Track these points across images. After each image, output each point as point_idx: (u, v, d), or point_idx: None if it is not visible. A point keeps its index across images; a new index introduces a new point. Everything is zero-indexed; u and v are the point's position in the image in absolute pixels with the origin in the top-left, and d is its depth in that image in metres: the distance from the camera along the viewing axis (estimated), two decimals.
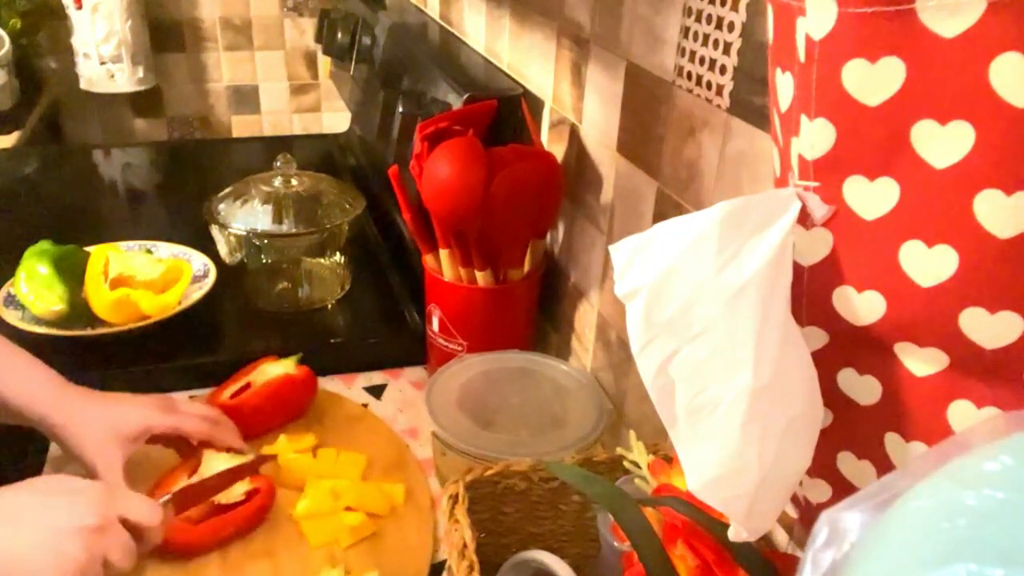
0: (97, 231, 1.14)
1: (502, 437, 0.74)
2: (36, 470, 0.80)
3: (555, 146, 0.92)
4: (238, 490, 0.74)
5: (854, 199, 0.34)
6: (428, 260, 0.89)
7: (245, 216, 1.01)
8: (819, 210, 0.35)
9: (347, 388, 0.96)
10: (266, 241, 1.05)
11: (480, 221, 0.81)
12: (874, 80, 0.31)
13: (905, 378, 0.36)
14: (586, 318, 0.89)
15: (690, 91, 0.64)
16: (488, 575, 0.52)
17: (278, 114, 2.15)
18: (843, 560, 0.26)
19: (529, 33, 0.97)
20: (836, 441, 0.40)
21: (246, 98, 2.11)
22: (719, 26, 0.59)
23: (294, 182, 1.04)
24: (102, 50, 1.80)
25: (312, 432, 0.85)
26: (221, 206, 1.02)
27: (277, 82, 2.11)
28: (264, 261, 1.08)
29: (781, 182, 0.39)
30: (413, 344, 0.98)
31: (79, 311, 0.93)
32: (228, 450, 0.78)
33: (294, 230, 1.03)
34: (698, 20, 0.61)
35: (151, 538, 0.64)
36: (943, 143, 0.30)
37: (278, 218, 1.02)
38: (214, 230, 1.03)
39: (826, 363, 0.38)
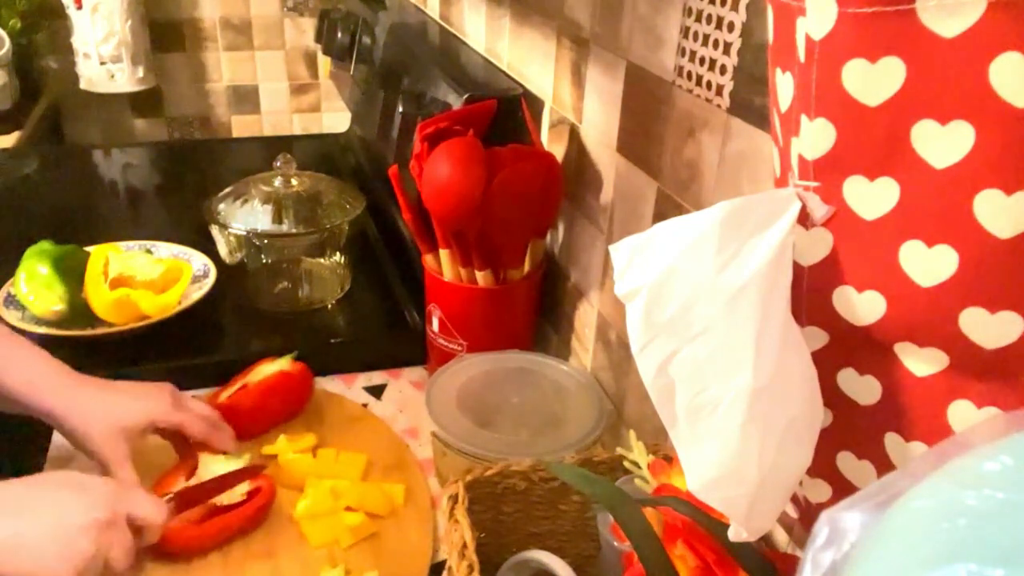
0: (97, 231, 1.14)
1: (502, 437, 0.74)
2: (36, 470, 0.79)
3: (555, 146, 0.92)
4: (239, 490, 0.74)
5: (854, 199, 0.34)
6: (428, 260, 0.89)
7: (245, 216, 1.01)
8: (819, 210, 0.35)
9: (347, 388, 0.96)
10: (266, 241, 1.05)
11: (480, 221, 0.81)
12: (874, 80, 0.31)
13: (905, 378, 0.36)
14: (586, 318, 0.89)
15: (690, 91, 0.64)
16: (488, 575, 0.52)
17: (278, 114, 2.15)
18: (843, 560, 0.26)
19: (529, 33, 0.97)
20: (836, 441, 0.40)
21: (246, 98, 2.11)
22: (719, 26, 0.59)
23: (294, 182, 1.04)
24: (102, 50, 1.80)
25: (312, 432, 0.85)
26: (221, 206, 1.02)
27: (277, 82, 2.11)
28: (264, 261, 1.08)
29: (781, 182, 0.39)
30: (413, 344, 0.98)
31: (79, 311, 0.93)
32: (224, 453, 0.78)
33: (294, 230, 1.03)
34: (698, 20, 0.61)
35: (149, 537, 0.65)
36: (943, 143, 0.30)
37: (278, 218, 1.02)
38: (214, 230, 1.03)
39: (826, 363, 0.38)
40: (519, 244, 0.86)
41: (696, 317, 0.36)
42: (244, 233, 1.01)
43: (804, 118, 0.34)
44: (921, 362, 0.35)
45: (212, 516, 0.72)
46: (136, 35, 1.82)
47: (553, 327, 0.99)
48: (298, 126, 2.17)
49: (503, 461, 0.61)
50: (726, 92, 0.59)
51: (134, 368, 0.91)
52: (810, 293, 0.37)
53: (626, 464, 0.55)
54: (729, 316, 0.35)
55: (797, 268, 0.37)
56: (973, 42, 0.28)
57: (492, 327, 0.89)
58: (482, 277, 0.86)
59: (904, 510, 0.25)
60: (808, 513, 0.44)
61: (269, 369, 0.87)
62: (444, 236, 0.85)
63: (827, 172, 0.34)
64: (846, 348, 0.38)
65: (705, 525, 0.45)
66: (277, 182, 1.03)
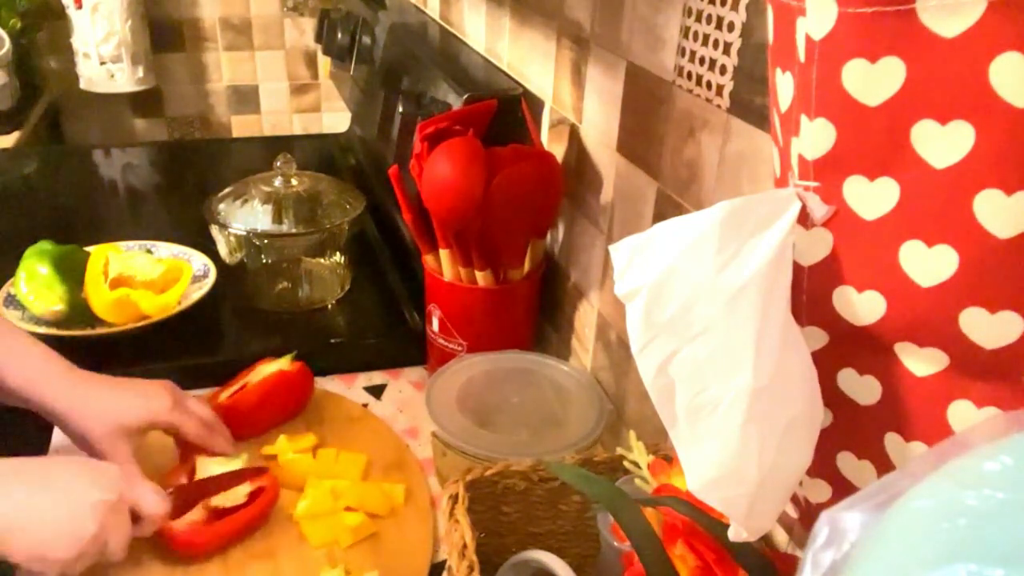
0: (97, 231, 1.14)
1: (502, 437, 0.74)
2: None
3: (555, 146, 0.92)
4: (242, 491, 0.74)
5: (854, 199, 0.34)
6: (428, 260, 0.89)
7: (245, 216, 1.01)
8: (819, 210, 0.35)
9: (347, 388, 0.96)
10: (266, 241, 1.05)
11: (480, 221, 0.81)
12: (874, 80, 0.31)
13: (905, 378, 0.36)
14: (586, 318, 0.89)
15: (690, 91, 0.64)
16: (488, 575, 0.52)
17: (278, 114, 2.15)
18: (843, 560, 0.26)
19: (529, 33, 0.97)
20: (836, 441, 0.40)
21: (246, 98, 2.11)
22: (719, 26, 0.59)
23: (294, 182, 1.04)
24: (102, 50, 1.80)
25: (312, 432, 0.85)
26: (221, 206, 1.02)
27: (277, 82, 2.11)
28: (264, 261, 1.08)
29: (781, 182, 0.39)
30: (413, 344, 0.98)
31: (79, 311, 0.93)
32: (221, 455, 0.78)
33: (294, 230, 1.03)
34: (698, 20, 0.61)
35: (146, 528, 0.66)
36: (943, 143, 0.30)
37: (278, 218, 1.02)
38: (214, 230, 1.03)
39: (826, 363, 0.38)
40: (519, 244, 0.86)
41: (696, 317, 0.36)
42: (244, 233, 1.01)
43: (804, 118, 0.34)
44: (921, 362, 0.35)
45: (218, 517, 0.72)
46: (136, 35, 1.83)
47: (553, 327, 0.99)
48: (298, 126, 2.17)
49: (503, 461, 0.61)
50: (726, 92, 0.59)
51: (134, 368, 0.91)
52: (810, 293, 0.37)
53: (626, 464, 0.55)
54: (729, 316, 0.35)
55: (797, 268, 0.37)
56: (973, 42, 0.28)
57: (492, 327, 0.89)
58: (482, 277, 0.86)
59: (904, 510, 0.25)
60: (808, 513, 0.44)
61: (269, 369, 0.87)
62: (444, 236, 0.85)
63: (827, 172, 0.34)
64: (846, 348, 0.38)
65: (705, 525, 0.45)
66: (277, 182, 1.03)
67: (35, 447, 0.81)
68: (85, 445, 0.71)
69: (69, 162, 1.58)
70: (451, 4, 1.28)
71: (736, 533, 0.39)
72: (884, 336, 0.35)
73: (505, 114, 0.91)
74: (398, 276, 1.13)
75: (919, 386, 0.35)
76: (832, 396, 0.39)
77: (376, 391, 0.96)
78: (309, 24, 2.04)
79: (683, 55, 0.64)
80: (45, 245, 0.97)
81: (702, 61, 0.61)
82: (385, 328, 1.05)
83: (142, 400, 0.74)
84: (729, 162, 0.60)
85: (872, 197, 0.33)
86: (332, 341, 1.02)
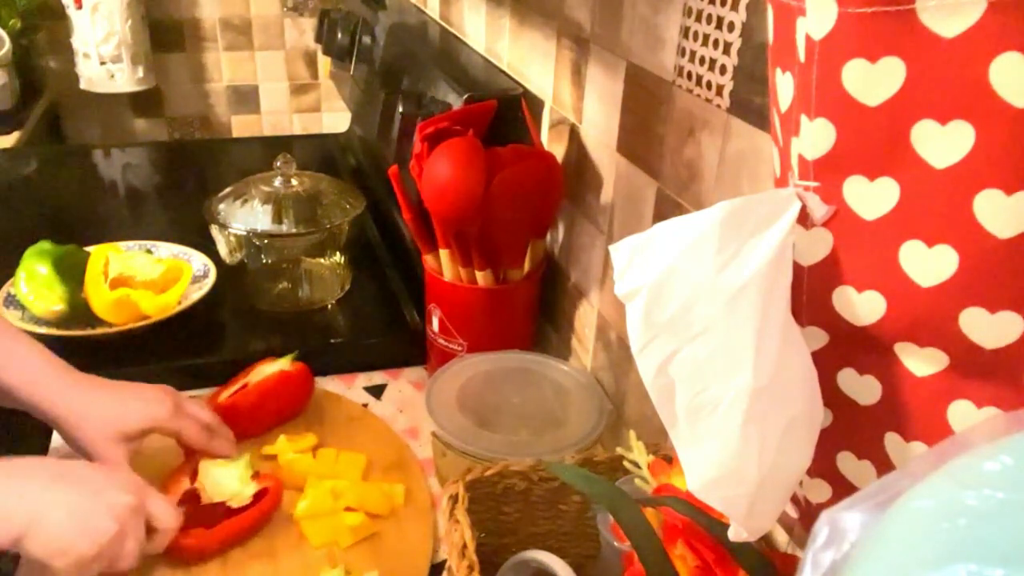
0: (97, 231, 1.14)
1: (502, 437, 0.74)
2: None
3: (555, 146, 0.92)
4: (246, 492, 0.74)
5: (854, 199, 0.34)
6: (428, 260, 0.89)
7: (245, 216, 1.01)
8: (819, 210, 0.35)
9: (347, 388, 0.96)
10: (266, 241, 1.05)
11: (480, 221, 0.81)
12: (874, 80, 0.31)
13: (905, 378, 0.36)
14: (586, 318, 0.89)
15: (690, 91, 0.64)
16: (488, 575, 0.52)
17: (278, 114, 2.15)
18: (843, 560, 0.26)
19: (529, 33, 0.97)
20: (836, 441, 0.40)
21: (246, 98, 2.11)
22: (719, 26, 0.59)
23: (294, 182, 1.04)
24: (102, 50, 1.80)
25: (312, 432, 0.85)
26: (221, 206, 1.02)
27: (277, 82, 2.11)
28: (264, 261, 1.08)
29: (781, 182, 0.39)
30: (413, 344, 0.98)
31: (79, 311, 0.93)
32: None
33: (294, 230, 1.03)
34: (698, 20, 0.61)
35: (158, 543, 0.65)
36: (943, 143, 0.30)
37: (278, 218, 1.02)
38: (214, 230, 1.03)
39: (826, 363, 0.38)
40: (519, 244, 0.86)
41: (696, 317, 0.36)
42: (244, 233, 1.01)
43: (804, 118, 0.34)
44: (921, 362, 0.35)
45: (222, 519, 0.71)
46: (136, 35, 1.82)
47: (553, 327, 0.99)
48: (298, 126, 2.17)
49: (503, 461, 0.61)
50: (726, 92, 0.59)
51: (134, 368, 0.91)
52: (810, 293, 0.37)
53: (626, 464, 0.55)
54: (729, 316, 0.35)
55: (797, 268, 0.37)
56: (973, 42, 0.28)
57: (492, 327, 0.89)
58: (482, 277, 0.86)
59: (904, 510, 0.25)
60: (808, 513, 0.44)
61: (269, 369, 0.87)
62: (444, 236, 0.85)
63: (827, 172, 0.34)
64: (846, 348, 0.38)
65: (705, 525, 0.45)
66: (277, 182, 1.03)
67: (35, 448, 0.81)
68: (82, 449, 0.71)
69: (69, 162, 1.58)
70: (451, 4, 1.28)
71: (736, 533, 0.39)
72: (884, 336, 0.35)
73: (505, 114, 0.91)
74: (398, 276, 1.13)
75: (919, 386, 0.35)
76: (832, 396, 0.39)
77: (376, 391, 0.96)
78: (309, 24, 2.04)
79: (683, 55, 0.64)
80: (45, 245, 0.97)
81: (702, 61, 0.61)
82: (385, 328, 1.05)
83: (141, 405, 0.73)
84: (729, 162, 0.60)
85: (872, 197, 0.33)
86: (332, 341, 1.02)
